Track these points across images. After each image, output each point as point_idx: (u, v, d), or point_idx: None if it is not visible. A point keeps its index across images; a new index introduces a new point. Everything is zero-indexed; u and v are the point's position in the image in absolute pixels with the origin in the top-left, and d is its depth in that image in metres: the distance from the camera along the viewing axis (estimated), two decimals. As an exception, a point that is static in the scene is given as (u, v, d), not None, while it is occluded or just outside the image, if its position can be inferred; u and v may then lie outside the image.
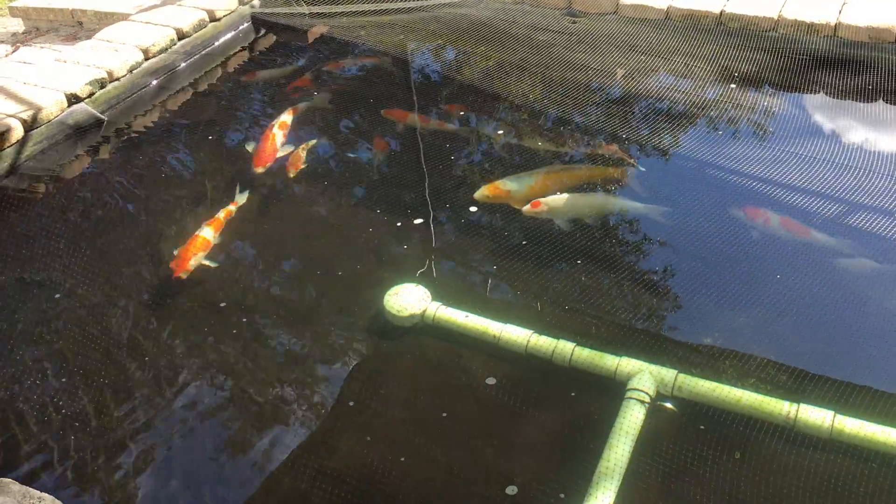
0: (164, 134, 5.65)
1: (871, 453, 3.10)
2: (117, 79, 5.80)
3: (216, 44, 6.52)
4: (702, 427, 3.27)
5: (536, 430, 3.36)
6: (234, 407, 3.56)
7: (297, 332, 3.97)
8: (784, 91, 5.69)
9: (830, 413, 3.19)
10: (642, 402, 3.30)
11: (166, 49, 6.17)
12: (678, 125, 5.32)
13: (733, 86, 5.69)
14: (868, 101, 5.46)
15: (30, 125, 5.24)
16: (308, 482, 3.18)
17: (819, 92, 5.63)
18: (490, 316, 3.75)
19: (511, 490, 3.09)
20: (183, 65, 6.25)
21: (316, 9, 6.94)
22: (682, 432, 3.27)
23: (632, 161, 4.94)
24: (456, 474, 3.20)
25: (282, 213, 4.75)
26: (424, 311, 3.82)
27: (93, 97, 5.62)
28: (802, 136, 5.17)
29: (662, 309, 4.00)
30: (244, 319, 3.98)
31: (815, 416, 3.20)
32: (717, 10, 6.14)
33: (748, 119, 5.41)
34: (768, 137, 5.19)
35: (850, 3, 6.02)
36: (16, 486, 2.87)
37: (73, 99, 5.51)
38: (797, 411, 3.21)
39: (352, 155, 5.36)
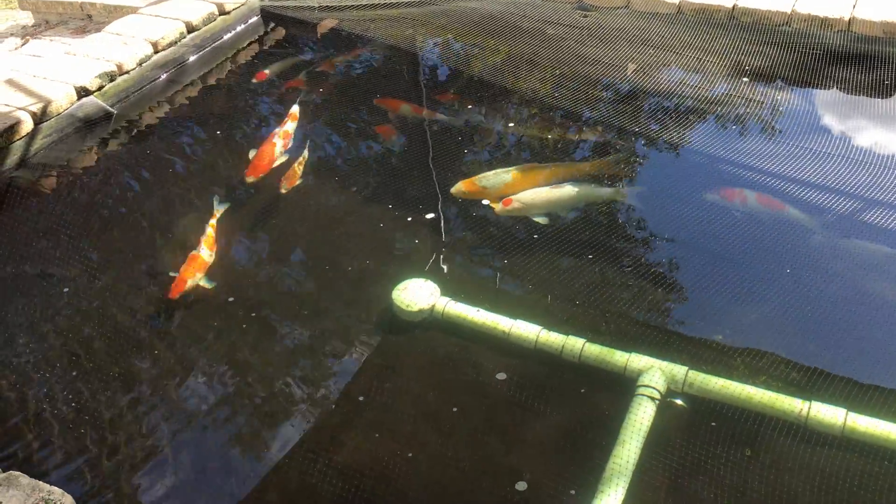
0: (173, 128, 5.65)
1: (885, 452, 3.07)
2: (127, 72, 5.80)
3: (225, 37, 6.51)
4: (713, 424, 3.25)
5: (546, 426, 3.34)
6: (242, 401, 3.55)
7: (306, 326, 3.96)
8: (797, 86, 5.64)
9: (843, 411, 3.17)
10: (653, 398, 3.28)
11: (175, 42, 6.17)
12: (689, 119, 5.29)
13: (745, 79, 5.65)
14: (883, 97, 5.41)
15: (39, 118, 5.25)
16: (317, 477, 3.17)
17: (832, 87, 5.58)
18: (499, 311, 3.73)
19: (521, 486, 3.08)
20: (192, 58, 6.24)
21: (326, 1, 6.93)
22: (692, 429, 3.25)
23: (620, 145, 4.94)
24: (465, 469, 3.18)
25: (289, 208, 4.74)
26: (433, 306, 3.80)
27: (102, 90, 5.62)
28: (815, 132, 5.13)
29: (672, 304, 3.98)
30: (253, 314, 3.98)
31: (828, 413, 3.17)
32: (729, 5, 6.10)
33: (760, 114, 5.37)
34: (781, 133, 5.14)
35: (864, -2, 5.97)
36: (25, 480, 2.87)
37: (82, 92, 5.51)
38: (809, 409, 3.19)
39: (357, 150, 5.35)
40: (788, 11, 5.93)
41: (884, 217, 4.24)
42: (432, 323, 3.80)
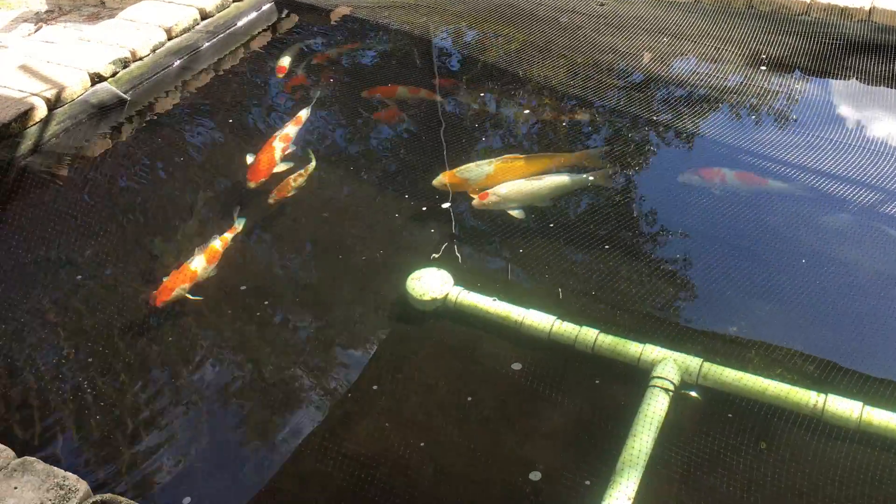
0: (186, 116, 5.64)
1: (901, 446, 3.05)
2: (140, 58, 5.79)
3: (239, 24, 6.48)
4: (728, 416, 3.23)
5: (559, 416, 3.33)
6: (257, 389, 3.56)
7: (319, 315, 3.96)
8: (815, 76, 5.58)
9: (859, 404, 3.14)
10: (666, 390, 3.27)
11: (189, 29, 6.15)
12: (706, 109, 5.24)
13: (763, 68, 5.59)
14: (904, 88, 5.34)
15: (53, 104, 5.25)
16: (331, 464, 3.18)
17: (851, 77, 5.51)
18: (512, 301, 3.72)
19: (535, 475, 3.07)
20: (206, 45, 6.23)
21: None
22: (706, 421, 3.24)
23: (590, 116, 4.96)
24: (479, 459, 3.18)
25: (302, 197, 4.71)
26: (446, 296, 3.79)
27: (116, 77, 5.61)
28: (834, 122, 5.07)
29: (685, 296, 3.95)
30: (265, 303, 3.98)
31: (843, 406, 3.15)
32: (747, -7, 6.03)
33: (778, 104, 5.31)
34: (798, 123, 5.09)
35: (884, -13, 5.88)
36: (40, 466, 2.88)
37: (96, 78, 5.50)
38: (825, 402, 3.16)
39: (370, 139, 5.33)
40: (808, 1, 5.85)
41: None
42: (445, 312, 3.79)
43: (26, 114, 5.09)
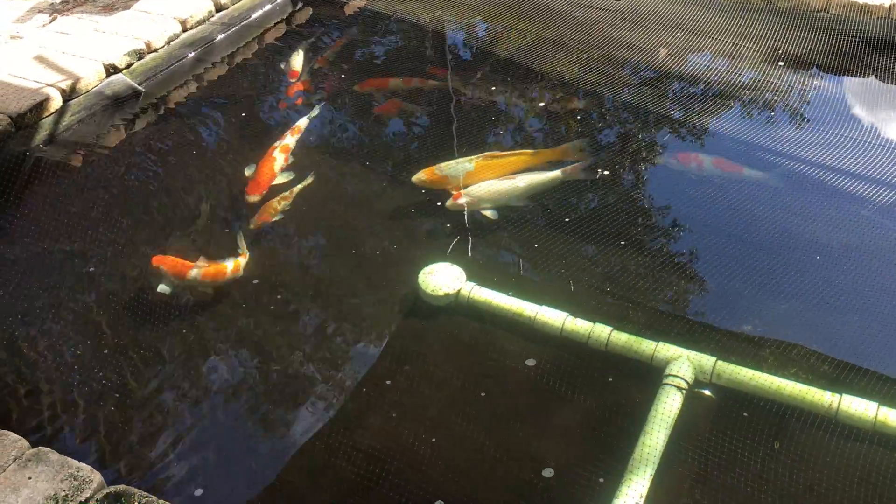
0: (200, 108, 5.64)
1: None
2: (155, 50, 5.79)
3: (253, 16, 6.48)
4: (742, 415, 3.21)
5: (572, 413, 3.32)
6: (269, 383, 3.57)
7: (332, 310, 3.96)
8: (833, 74, 5.53)
9: (874, 404, 3.12)
10: (680, 388, 3.25)
11: (204, 21, 6.15)
12: (723, 105, 5.21)
13: (781, 63, 5.55)
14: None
15: (68, 95, 5.26)
16: (342, 458, 3.18)
17: (870, 75, 5.46)
18: (524, 297, 3.71)
19: (548, 472, 3.06)
20: (220, 37, 6.22)
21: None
22: (720, 420, 3.22)
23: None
24: (492, 454, 3.17)
25: (315, 193, 4.70)
26: (459, 291, 3.78)
27: (131, 68, 5.62)
28: (851, 120, 5.02)
29: (699, 293, 3.93)
30: (278, 297, 3.98)
31: (859, 407, 3.12)
32: (766, -11, 5.99)
33: (796, 101, 5.28)
34: (816, 121, 5.05)
35: (905, -16, 5.83)
36: (54, 456, 2.90)
37: (111, 69, 5.51)
38: (839, 402, 3.14)
39: (381, 134, 5.31)
40: (827, -4, 5.82)
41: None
42: (458, 307, 3.78)
43: (41, 104, 5.10)
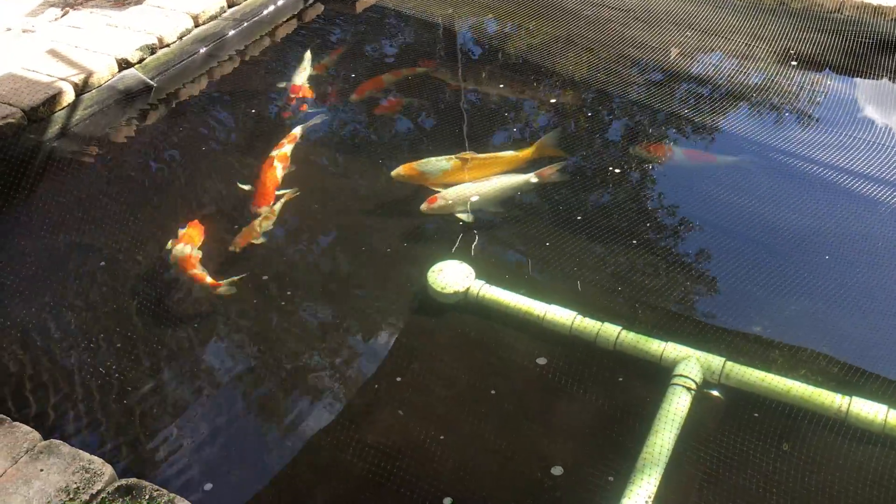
0: (211, 103, 5.66)
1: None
2: (167, 45, 5.81)
3: (265, 12, 6.48)
4: (750, 416, 3.21)
5: (581, 412, 3.33)
6: (277, 379, 3.58)
7: (340, 306, 3.97)
8: (846, 75, 5.51)
9: (884, 407, 3.11)
10: (688, 388, 3.25)
11: (216, 16, 6.16)
12: (735, 105, 5.21)
13: (794, 63, 5.54)
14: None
15: (81, 89, 5.28)
16: (351, 454, 3.19)
17: (883, 77, 5.43)
18: (533, 296, 3.71)
19: (557, 470, 3.07)
20: (232, 32, 6.24)
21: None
22: (728, 421, 3.22)
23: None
24: (501, 452, 3.18)
25: (324, 190, 4.72)
26: (468, 289, 3.79)
27: (143, 63, 5.64)
28: (864, 121, 5.00)
29: (708, 294, 3.93)
30: (288, 293, 3.99)
31: (868, 409, 3.12)
32: (778, -10, 5.97)
33: (808, 102, 5.26)
34: (831, 122, 5.03)
35: (919, -14, 5.80)
36: (66, 448, 2.91)
37: (123, 64, 5.53)
38: (849, 404, 3.13)
39: (389, 131, 5.32)
40: (840, -2, 5.79)
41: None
42: (467, 306, 3.78)
43: (54, 98, 5.13)
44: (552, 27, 6.17)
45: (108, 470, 2.85)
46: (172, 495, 2.75)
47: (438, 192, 4.38)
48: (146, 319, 3.83)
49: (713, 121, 5.05)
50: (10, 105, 5.00)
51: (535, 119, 5.32)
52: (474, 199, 4.36)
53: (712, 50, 5.82)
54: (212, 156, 5.10)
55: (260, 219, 4.24)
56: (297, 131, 5.02)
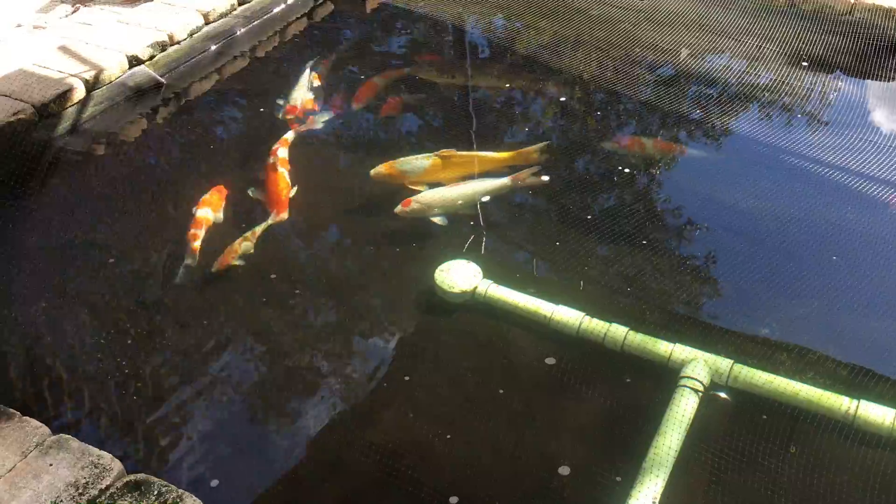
0: (220, 101, 5.67)
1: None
2: (177, 42, 5.82)
3: (275, 10, 6.49)
4: (758, 419, 3.20)
5: (588, 412, 3.33)
6: (284, 377, 3.59)
7: (348, 305, 3.97)
8: (857, 77, 5.49)
9: (892, 411, 3.10)
10: (696, 390, 3.25)
11: (226, 14, 6.17)
12: (744, 106, 5.20)
13: (805, 63, 5.53)
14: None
15: (92, 85, 5.30)
16: (357, 453, 3.20)
17: (895, 79, 5.42)
18: (541, 296, 3.71)
19: (564, 470, 3.07)
20: (242, 30, 6.25)
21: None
22: (735, 423, 3.21)
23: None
24: (507, 452, 3.19)
25: (334, 189, 4.72)
26: (475, 289, 3.79)
27: (153, 60, 5.65)
28: (875, 123, 4.99)
29: (716, 295, 3.93)
30: (296, 291, 4.00)
31: (876, 413, 3.11)
32: (789, -9, 5.95)
33: (819, 104, 5.25)
34: (842, 124, 5.02)
35: (931, -12, 5.78)
36: (75, 444, 2.93)
37: (134, 61, 5.55)
38: (857, 407, 3.13)
39: (399, 130, 5.33)
40: (852, 0, 5.76)
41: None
42: (474, 305, 3.79)
43: (65, 94, 5.15)
44: (560, 27, 6.17)
45: (117, 465, 2.86)
46: (181, 491, 2.76)
47: (420, 190, 4.37)
48: (155, 317, 3.84)
49: (722, 122, 5.04)
50: (22, 101, 5.02)
51: (525, 122, 5.32)
52: (449, 202, 4.34)
53: (721, 51, 5.81)
54: (222, 153, 5.11)
55: (240, 240, 4.13)
56: (290, 135, 4.94)
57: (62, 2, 6.56)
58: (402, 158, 4.56)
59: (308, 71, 5.61)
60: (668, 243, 4.20)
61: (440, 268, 3.88)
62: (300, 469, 3.19)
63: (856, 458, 3.05)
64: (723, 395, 3.31)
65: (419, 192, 4.37)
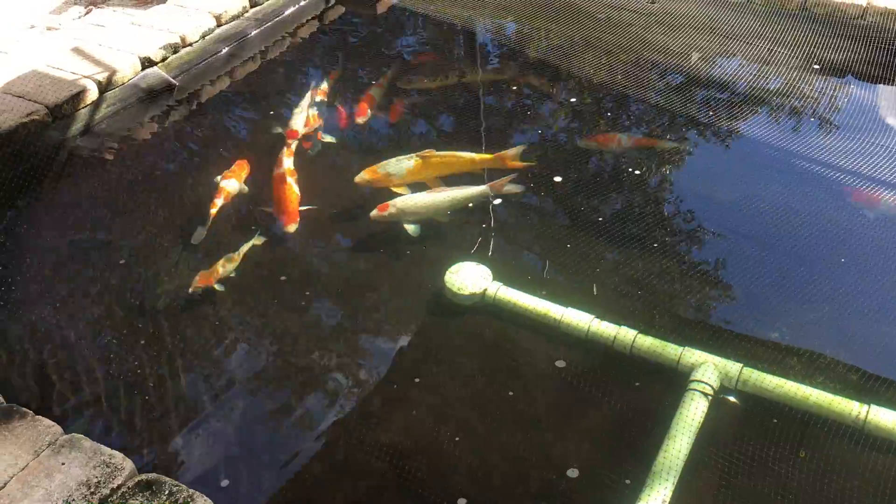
0: (232, 103, 5.70)
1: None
2: (190, 44, 5.86)
3: (287, 12, 6.52)
4: (767, 423, 3.20)
5: (597, 415, 3.33)
6: (293, 379, 3.60)
7: (357, 307, 3.98)
8: (870, 82, 5.47)
9: (902, 416, 3.10)
10: (705, 394, 3.24)
11: (238, 16, 6.21)
12: (755, 110, 5.19)
13: (816, 66, 5.51)
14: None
15: (104, 87, 5.34)
16: (367, 454, 3.21)
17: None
18: (550, 298, 3.71)
19: (573, 472, 3.08)
20: (253, 32, 6.28)
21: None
22: (744, 427, 3.21)
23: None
24: (516, 453, 3.19)
25: (345, 191, 4.73)
26: (485, 291, 3.80)
27: (166, 62, 5.69)
28: (888, 127, 4.97)
29: (724, 299, 3.92)
30: (306, 293, 4.02)
31: (887, 418, 3.10)
32: (802, -5, 5.94)
33: (830, 108, 5.23)
34: (854, 128, 5.00)
35: (944, -8, 5.76)
36: (87, 443, 2.95)
37: (146, 62, 5.58)
38: (867, 412, 3.12)
39: (394, 137, 5.33)
40: (864, 4, 5.74)
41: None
42: (484, 307, 3.79)
43: (78, 96, 5.18)
44: (570, 29, 6.17)
45: (129, 465, 2.88)
46: (191, 491, 2.78)
47: (404, 193, 4.38)
48: (166, 317, 3.85)
49: (731, 125, 5.04)
50: (35, 102, 5.06)
51: (513, 125, 5.33)
52: (426, 208, 4.33)
53: (732, 54, 5.80)
54: (233, 154, 5.12)
55: (223, 260, 4.05)
56: (293, 144, 4.92)
57: (75, 3, 6.60)
58: (384, 161, 4.56)
59: (308, 95, 5.47)
60: (677, 246, 4.20)
61: (450, 270, 3.89)
62: (309, 469, 3.20)
63: (866, 463, 3.04)
64: (732, 398, 3.31)
65: (399, 195, 4.37)
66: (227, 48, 6.09)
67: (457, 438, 3.24)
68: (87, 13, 6.44)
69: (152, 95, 5.56)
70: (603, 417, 3.33)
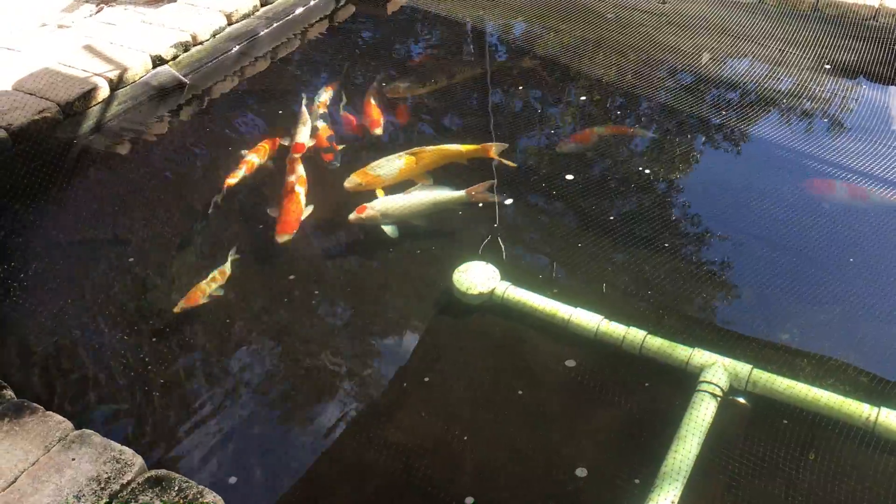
0: (242, 102, 5.71)
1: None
2: (200, 43, 5.87)
3: (297, 11, 6.54)
4: (775, 425, 3.19)
5: (606, 415, 3.33)
6: (301, 377, 3.61)
7: (365, 306, 3.98)
8: (882, 83, 5.44)
9: (913, 419, 3.08)
10: (715, 395, 3.24)
11: (249, 15, 6.22)
12: (767, 111, 5.17)
13: (828, 66, 5.49)
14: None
15: (116, 85, 5.36)
16: (376, 453, 3.21)
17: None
18: (558, 298, 3.71)
19: (581, 472, 3.07)
20: (264, 31, 6.29)
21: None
22: (754, 429, 3.20)
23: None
24: (524, 453, 3.19)
25: (349, 192, 4.72)
26: (493, 290, 3.80)
27: (176, 60, 5.71)
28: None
29: (734, 300, 3.91)
30: (315, 292, 4.02)
31: (897, 421, 3.09)
32: (814, -4, 5.92)
33: (842, 108, 5.21)
34: (865, 130, 4.98)
35: (957, -7, 5.73)
36: (97, 439, 2.96)
37: (157, 61, 5.60)
38: (877, 415, 3.11)
39: (417, 131, 5.34)
40: (876, 5, 5.72)
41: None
42: (492, 307, 3.79)
43: (89, 93, 5.20)
44: (584, 31, 6.17)
45: (139, 461, 2.89)
46: (201, 487, 2.78)
47: (388, 195, 4.40)
48: (175, 315, 3.86)
49: (742, 126, 5.03)
50: (47, 99, 5.09)
51: (521, 125, 5.35)
52: (404, 210, 4.33)
53: (743, 55, 5.79)
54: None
55: (207, 280, 3.98)
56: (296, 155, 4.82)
57: (86, 1, 6.63)
58: (372, 163, 4.56)
59: (305, 110, 5.28)
60: (687, 247, 4.19)
61: (458, 269, 3.89)
62: (318, 467, 3.21)
63: (876, 465, 3.03)
64: (742, 400, 3.30)
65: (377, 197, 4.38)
66: (237, 47, 6.11)
67: (465, 438, 3.24)
68: (98, 11, 6.47)
69: (163, 93, 5.58)
70: (612, 417, 3.32)
